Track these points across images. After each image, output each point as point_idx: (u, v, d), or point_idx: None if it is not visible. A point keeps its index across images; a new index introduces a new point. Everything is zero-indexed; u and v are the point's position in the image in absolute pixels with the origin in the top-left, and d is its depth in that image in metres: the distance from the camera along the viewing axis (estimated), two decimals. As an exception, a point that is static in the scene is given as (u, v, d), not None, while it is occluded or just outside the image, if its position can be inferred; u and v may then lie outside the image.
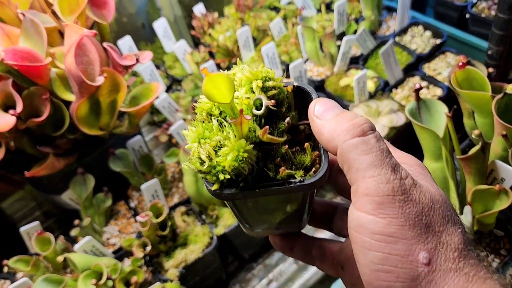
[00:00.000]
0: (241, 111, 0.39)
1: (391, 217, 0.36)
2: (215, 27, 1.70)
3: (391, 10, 1.71)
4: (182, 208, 1.31)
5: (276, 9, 1.83)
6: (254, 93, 0.44)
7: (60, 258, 1.14)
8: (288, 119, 0.46)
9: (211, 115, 0.46)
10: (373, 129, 0.39)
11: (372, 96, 1.42)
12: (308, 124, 0.45)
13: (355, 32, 1.62)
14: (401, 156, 0.45)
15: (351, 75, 1.48)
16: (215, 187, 0.42)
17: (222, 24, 1.69)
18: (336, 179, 0.51)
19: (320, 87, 1.51)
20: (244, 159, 0.41)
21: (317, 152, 0.44)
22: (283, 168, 0.42)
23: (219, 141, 0.42)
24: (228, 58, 1.64)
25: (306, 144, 0.44)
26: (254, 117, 0.44)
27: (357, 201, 0.38)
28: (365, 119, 0.40)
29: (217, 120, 0.44)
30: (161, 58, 1.81)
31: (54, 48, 1.14)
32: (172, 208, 1.33)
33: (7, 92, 1.09)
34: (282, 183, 0.42)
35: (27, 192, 1.72)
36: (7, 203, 1.74)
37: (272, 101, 0.44)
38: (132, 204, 1.38)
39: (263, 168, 0.44)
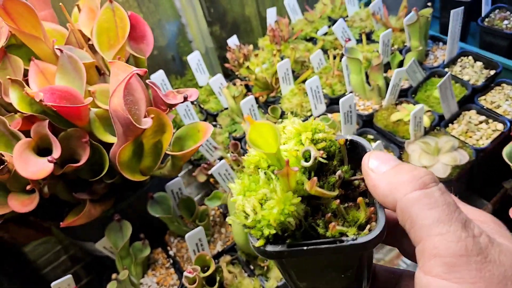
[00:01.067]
0: (287, 161, 0.37)
1: (468, 282, 0.32)
2: (250, 60, 1.62)
3: (436, 39, 1.62)
4: (227, 257, 1.20)
5: (313, 40, 1.75)
6: (303, 145, 0.43)
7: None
8: (339, 171, 0.43)
9: (258, 168, 0.45)
10: (435, 181, 0.36)
11: (427, 132, 1.32)
12: (363, 180, 0.43)
13: (400, 63, 1.53)
14: (472, 212, 0.40)
15: (403, 109, 1.38)
16: (259, 243, 0.40)
17: (259, 56, 1.60)
18: (402, 241, 0.46)
19: (368, 122, 1.41)
20: (290, 213, 0.39)
21: (372, 208, 0.41)
22: (333, 223, 0.39)
23: (265, 194, 0.40)
24: (266, 91, 1.55)
25: (360, 199, 0.41)
26: (303, 169, 0.43)
27: (424, 264, 0.34)
28: (425, 171, 0.37)
29: (265, 173, 0.43)
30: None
31: (92, 86, 1.06)
32: (216, 257, 1.22)
33: (43, 134, 1.00)
34: (333, 241, 0.39)
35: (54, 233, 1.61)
36: (29, 247, 1.64)
37: (321, 152, 0.43)
38: (171, 252, 1.27)
39: (312, 224, 0.42)
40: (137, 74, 0.91)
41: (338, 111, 1.32)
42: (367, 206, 0.41)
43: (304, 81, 1.52)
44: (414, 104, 1.37)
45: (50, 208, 1.19)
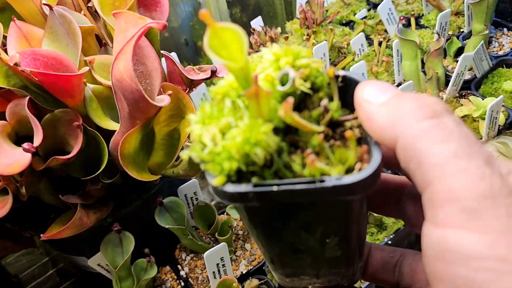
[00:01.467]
0: (255, 77, 0.30)
1: (496, 231, 0.25)
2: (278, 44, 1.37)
3: (499, 25, 1.38)
4: (254, 281, 0.95)
5: (350, 25, 1.50)
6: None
7: None
8: (325, 101, 0.36)
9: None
10: (448, 110, 0.30)
11: (500, 131, 1.07)
12: (358, 124, 0.36)
13: (458, 50, 1.29)
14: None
15: (468, 103, 1.13)
16: (218, 181, 0.32)
17: (289, 40, 1.36)
18: (408, 208, 0.39)
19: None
20: (258, 142, 0.32)
21: (365, 146, 0.33)
22: (312, 157, 0.31)
23: (230, 123, 0.34)
24: (297, 81, 1.30)
25: (349, 132, 0.33)
26: (279, 98, 0.35)
27: (436, 213, 0.27)
28: (436, 98, 0.31)
29: (232, 102, 0.36)
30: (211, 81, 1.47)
31: (90, 56, 0.81)
32: (239, 280, 0.96)
33: (22, 116, 0.75)
34: (311, 181, 0.31)
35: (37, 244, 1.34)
36: (10, 258, 1.38)
37: (302, 71, 0.35)
38: (182, 272, 1.02)
39: (286, 163, 0.35)
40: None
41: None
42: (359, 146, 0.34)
43: (343, 69, 1.27)
44: (483, 99, 1.12)
45: (32, 214, 0.94)
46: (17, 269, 1.37)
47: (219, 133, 0.34)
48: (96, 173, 0.78)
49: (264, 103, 0.33)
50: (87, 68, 0.71)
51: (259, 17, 1.48)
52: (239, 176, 0.34)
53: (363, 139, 0.36)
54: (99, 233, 0.94)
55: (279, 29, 1.42)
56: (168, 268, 1.05)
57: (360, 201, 0.35)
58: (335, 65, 1.32)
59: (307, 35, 1.37)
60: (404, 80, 1.23)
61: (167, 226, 0.95)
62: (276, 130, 0.36)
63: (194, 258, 1.05)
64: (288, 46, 0.38)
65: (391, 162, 0.37)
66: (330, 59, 1.35)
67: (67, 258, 1.24)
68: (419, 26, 1.41)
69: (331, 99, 0.39)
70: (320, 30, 1.43)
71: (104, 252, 0.93)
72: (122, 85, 0.61)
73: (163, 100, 0.64)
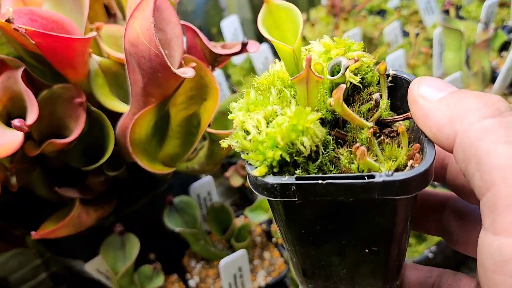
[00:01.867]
0: (309, 59, 0.29)
1: None
2: (303, 32, 1.25)
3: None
4: (276, 296, 0.82)
5: (381, 13, 1.38)
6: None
7: None
8: (377, 95, 0.35)
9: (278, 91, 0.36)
10: None
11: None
12: (406, 119, 0.35)
13: (505, 44, 1.17)
14: None
15: (519, 101, 1.01)
16: (259, 171, 0.32)
17: (315, 28, 1.23)
18: (448, 222, 0.39)
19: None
20: (305, 129, 0.31)
21: (417, 144, 0.33)
22: (362, 149, 0.30)
23: (275, 111, 0.33)
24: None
25: (401, 127, 0.32)
26: (329, 87, 0.35)
27: (497, 220, 0.26)
28: (498, 96, 0.29)
29: (278, 91, 0.36)
30: (225, 70, 1.34)
31: (97, 23, 0.68)
32: (258, 294, 0.84)
33: (14, 91, 0.63)
34: (360, 176, 0.30)
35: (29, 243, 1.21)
36: (-1, 260, 1.26)
37: (355, 60, 0.34)
38: (192, 282, 0.89)
39: (333, 156, 0.34)
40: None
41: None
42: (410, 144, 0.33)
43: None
44: (536, 96, 0.99)
45: (23, 210, 0.81)
46: (6, 271, 1.25)
47: (263, 120, 0.33)
48: (99, 162, 0.65)
49: (313, 90, 0.32)
50: (93, 33, 0.58)
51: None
52: (281, 169, 0.33)
53: (414, 135, 0.35)
54: (98, 234, 0.81)
55: (304, 16, 1.30)
56: (175, 276, 0.92)
57: (407, 205, 0.33)
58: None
59: (343, 18, 1.25)
60: (445, 74, 1.11)
61: (177, 229, 0.82)
62: (322, 122, 0.34)
63: (206, 266, 0.92)
64: (340, 39, 0.37)
65: (436, 174, 0.36)
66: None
67: (61, 261, 1.11)
68: (458, 17, 1.29)
69: (379, 95, 0.37)
70: (349, 19, 1.31)
71: (105, 256, 0.80)
72: (138, 50, 0.49)
73: (187, 72, 0.52)
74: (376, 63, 0.38)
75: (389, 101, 0.37)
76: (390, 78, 0.38)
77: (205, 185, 0.90)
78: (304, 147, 0.31)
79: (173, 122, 0.67)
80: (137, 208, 0.84)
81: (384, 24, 1.26)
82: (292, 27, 0.32)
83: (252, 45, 0.66)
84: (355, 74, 0.36)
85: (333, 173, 0.33)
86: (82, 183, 0.73)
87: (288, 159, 0.32)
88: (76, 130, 0.60)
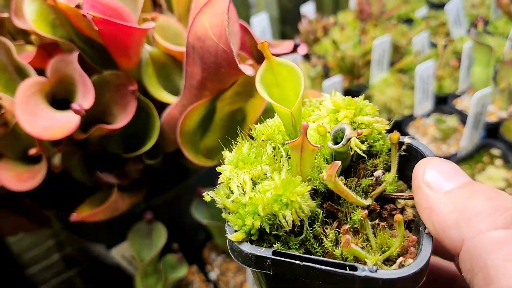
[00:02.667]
0: (305, 126, 0.28)
1: None
2: (332, 35, 1.26)
3: None
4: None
5: (409, 22, 1.39)
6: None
7: None
8: (379, 172, 0.33)
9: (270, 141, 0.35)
10: None
11: None
12: (412, 203, 0.32)
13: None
14: None
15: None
16: (236, 236, 0.30)
17: (344, 32, 1.25)
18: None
19: (492, 131, 1.05)
20: (290, 203, 0.29)
21: (414, 237, 0.29)
22: (347, 237, 0.27)
23: (265, 173, 0.31)
24: (349, 76, 1.19)
25: (398, 216, 0.29)
26: (329, 155, 0.33)
27: None
28: (511, 200, 0.25)
29: (273, 148, 0.34)
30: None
31: (152, 13, 0.69)
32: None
33: (64, 75, 0.64)
34: (342, 265, 0.27)
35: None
36: (15, 238, 1.26)
37: (360, 132, 0.31)
38: (213, 274, 0.90)
39: (317, 234, 0.31)
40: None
41: (446, 113, 0.97)
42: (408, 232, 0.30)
43: (401, 70, 1.16)
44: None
45: (56, 192, 0.82)
46: (20, 249, 1.26)
47: (250, 181, 0.31)
48: (142, 150, 0.66)
49: (308, 158, 0.30)
50: (152, 23, 0.59)
51: (311, 3, 1.36)
52: (261, 237, 0.31)
53: (415, 223, 0.32)
54: (124, 221, 0.82)
55: (332, 19, 1.31)
56: (195, 268, 0.93)
57: None
58: (393, 64, 1.20)
59: (373, 25, 1.26)
60: (471, 88, 1.12)
61: (204, 221, 0.83)
62: (315, 193, 0.32)
63: (226, 260, 0.93)
64: (352, 99, 0.35)
65: (440, 249, 0.33)
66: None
67: (76, 244, 1.12)
68: (486, 32, 1.30)
69: (387, 168, 0.35)
70: (375, 25, 1.32)
71: (132, 242, 0.81)
72: (204, 45, 0.50)
73: (247, 69, 0.53)
74: (389, 131, 0.35)
75: (397, 174, 0.35)
76: (404, 147, 0.35)
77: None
78: (286, 222, 0.30)
79: (217, 116, 0.68)
80: (167, 198, 0.85)
81: (412, 33, 1.28)
82: (294, 86, 0.31)
83: (302, 47, 0.67)
84: (362, 142, 0.34)
85: (317, 252, 0.31)
86: (119, 169, 0.74)
87: (267, 230, 0.30)
88: (126, 117, 0.61)
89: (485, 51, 1.05)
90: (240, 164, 0.33)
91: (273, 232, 0.31)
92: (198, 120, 0.62)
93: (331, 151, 0.33)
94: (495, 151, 1.02)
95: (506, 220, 0.25)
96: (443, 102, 1.13)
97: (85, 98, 0.57)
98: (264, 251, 0.29)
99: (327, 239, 0.31)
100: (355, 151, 0.34)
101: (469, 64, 1.10)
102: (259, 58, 0.70)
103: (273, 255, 0.29)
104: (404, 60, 1.17)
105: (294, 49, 0.65)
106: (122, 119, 0.62)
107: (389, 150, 0.35)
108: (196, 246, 0.97)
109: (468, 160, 1.00)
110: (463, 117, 1.07)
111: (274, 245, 0.31)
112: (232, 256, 0.32)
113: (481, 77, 1.08)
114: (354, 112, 0.35)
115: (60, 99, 0.67)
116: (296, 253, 0.30)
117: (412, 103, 1.09)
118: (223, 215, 0.32)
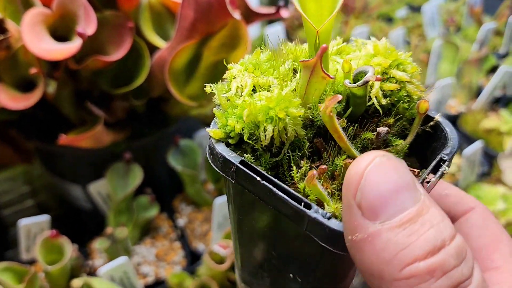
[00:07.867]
0: (323, 49, 0.26)
1: None
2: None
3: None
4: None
5: (389, 21, 1.49)
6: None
7: (77, 284, 0.71)
8: (383, 129, 0.30)
9: (295, 70, 0.33)
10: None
11: (524, 150, 1.06)
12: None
13: (493, 68, 1.29)
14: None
15: (497, 117, 1.12)
16: (215, 132, 0.30)
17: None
18: None
19: (452, 124, 1.14)
20: (276, 117, 0.28)
21: None
22: (314, 173, 0.26)
23: (270, 85, 0.30)
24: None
25: None
26: (346, 96, 0.31)
27: None
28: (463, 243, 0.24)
29: (292, 64, 0.32)
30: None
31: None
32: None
33: (67, 11, 0.69)
34: (297, 198, 0.26)
35: (19, 170, 1.27)
36: (-10, 180, 1.30)
37: (379, 77, 0.29)
38: (180, 221, 0.97)
39: (292, 161, 0.30)
40: None
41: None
42: None
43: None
44: (512, 115, 1.11)
45: (41, 123, 0.88)
46: (-4, 192, 1.30)
47: (251, 86, 0.30)
48: (131, 87, 0.73)
49: (315, 84, 0.28)
50: (154, -32, 0.66)
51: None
52: (240, 143, 0.30)
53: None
54: (104, 160, 0.88)
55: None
56: (165, 215, 0.99)
57: (341, 258, 0.28)
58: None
59: (345, 21, 1.35)
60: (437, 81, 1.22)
61: (179, 168, 0.90)
62: (311, 125, 0.30)
63: (195, 210, 1.00)
64: (395, 51, 0.32)
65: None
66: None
67: (52, 189, 1.17)
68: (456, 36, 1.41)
69: (402, 130, 0.32)
70: (360, 18, 1.41)
71: (110, 180, 0.87)
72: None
73: (235, 13, 0.60)
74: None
75: (408, 150, 0.32)
76: (432, 123, 0.33)
77: (209, 136, 0.98)
78: (265, 136, 0.28)
79: (202, 65, 0.75)
80: (145, 143, 0.91)
81: (389, 30, 1.37)
82: (331, 5, 0.28)
83: (285, 10, 0.75)
84: (385, 96, 0.31)
85: (286, 180, 0.30)
86: (106, 107, 0.80)
87: (245, 139, 0.29)
88: (121, 51, 0.67)
89: (453, 49, 1.15)
90: (250, 67, 0.31)
91: (251, 143, 0.30)
92: (186, 61, 0.69)
93: (347, 91, 0.31)
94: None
95: None
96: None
97: (88, 26, 0.63)
98: (233, 157, 0.29)
99: (299, 171, 0.29)
100: (373, 103, 0.31)
101: (437, 61, 1.19)
102: (246, 17, 0.77)
103: (239, 163, 0.28)
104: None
105: (277, 10, 0.72)
106: (117, 54, 0.68)
107: (413, 119, 0.32)
108: (167, 195, 1.03)
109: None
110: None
111: (246, 155, 0.30)
112: (207, 154, 0.32)
113: (446, 72, 1.18)
114: (391, 63, 0.31)
115: (61, 36, 0.73)
116: (263, 171, 0.28)
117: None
118: (213, 109, 0.31)
